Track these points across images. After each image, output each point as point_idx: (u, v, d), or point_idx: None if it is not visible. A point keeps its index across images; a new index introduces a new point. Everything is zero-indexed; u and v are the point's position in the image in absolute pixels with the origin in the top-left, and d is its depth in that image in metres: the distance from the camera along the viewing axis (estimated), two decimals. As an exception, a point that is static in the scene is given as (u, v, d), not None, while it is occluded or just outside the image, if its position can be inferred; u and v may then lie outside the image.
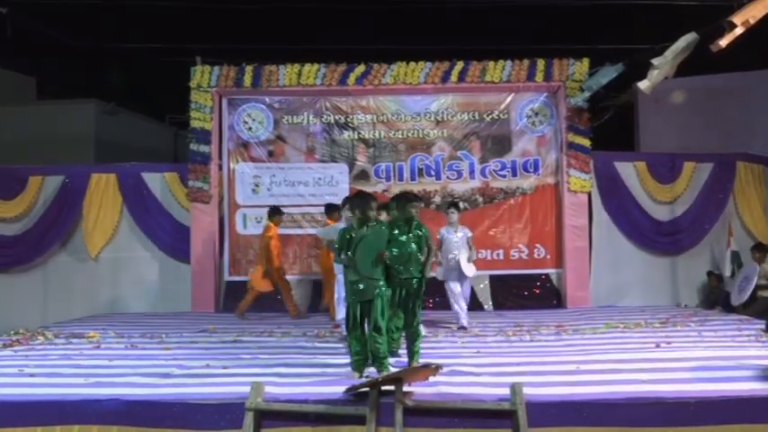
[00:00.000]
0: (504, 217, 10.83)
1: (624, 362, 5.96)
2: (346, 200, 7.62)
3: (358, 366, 5.73)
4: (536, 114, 10.88)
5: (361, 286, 5.73)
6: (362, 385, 4.87)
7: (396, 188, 10.62)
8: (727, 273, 10.64)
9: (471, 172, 10.87)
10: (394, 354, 6.22)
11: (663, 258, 10.96)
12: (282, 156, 10.97)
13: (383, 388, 4.81)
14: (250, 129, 10.94)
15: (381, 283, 5.80)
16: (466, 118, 10.91)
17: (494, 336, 7.79)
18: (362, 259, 5.71)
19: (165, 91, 14.64)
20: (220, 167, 10.87)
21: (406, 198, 6.34)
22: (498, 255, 10.78)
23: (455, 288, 8.41)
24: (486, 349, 6.90)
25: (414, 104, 10.95)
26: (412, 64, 10.58)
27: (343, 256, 5.86)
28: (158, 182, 11.05)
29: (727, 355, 6.13)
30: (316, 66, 10.62)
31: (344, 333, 7.69)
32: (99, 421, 4.90)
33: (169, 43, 12.39)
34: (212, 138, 10.69)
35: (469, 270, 8.45)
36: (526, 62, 10.59)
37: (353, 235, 5.84)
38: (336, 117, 10.95)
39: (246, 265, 10.79)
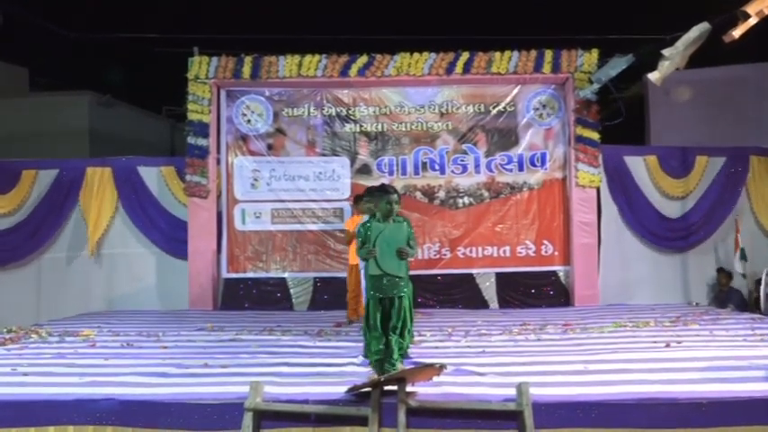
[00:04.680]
0: (511, 212, 10.82)
1: (634, 361, 5.95)
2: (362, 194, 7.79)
3: (378, 366, 5.74)
4: (543, 107, 10.86)
5: (381, 283, 5.74)
6: (364, 385, 4.87)
7: (399, 182, 10.65)
8: (740, 270, 10.64)
9: (477, 166, 10.86)
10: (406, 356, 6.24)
11: (673, 255, 10.96)
12: (282, 149, 10.97)
13: (386, 388, 4.81)
14: (249, 121, 10.94)
15: (403, 281, 5.80)
16: (471, 110, 10.90)
17: (499, 334, 7.77)
18: (381, 255, 5.72)
19: (161, 82, 14.62)
20: (218, 161, 10.87)
21: (382, 191, 6.21)
22: (504, 252, 10.77)
23: None
24: (491, 348, 6.88)
25: (417, 96, 10.93)
26: (416, 55, 10.55)
27: (362, 249, 5.86)
28: (155, 176, 11.06)
29: (740, 355, 6.12)
30: (317, 56, 10.60)
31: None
32: (94, 422, 4.90)
33: (166, 33, 12.39)
34: (210, 131, 10.67)
35: None
36: (533, 53, 10.57)
37: (372, 229, 5.85)
38: (338, 109, 10.95)
39: (245, 261, 10.81)
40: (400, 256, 5.75)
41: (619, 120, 10.70)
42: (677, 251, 10.95)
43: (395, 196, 5.98)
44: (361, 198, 7.98)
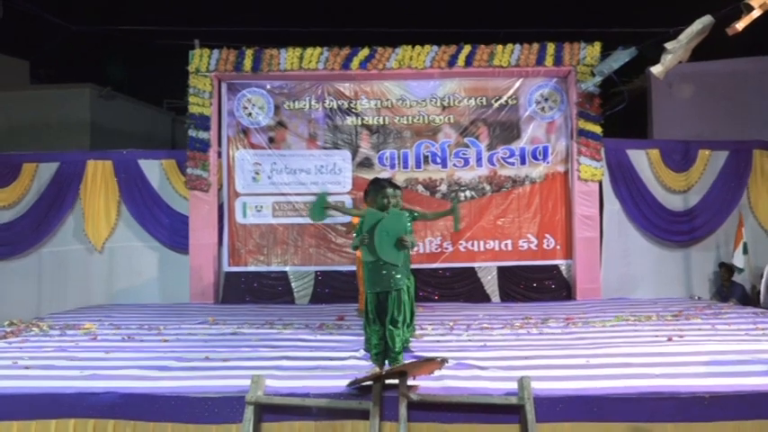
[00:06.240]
0: (513, 206, 10.81)
1: (636, 355, 5.96)
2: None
3: (378, 360, 5.74)
4: (546, 100, 10.84)
5: (376, 274, 5.73)
6: (366, 379, 4.88)
7: (400, 176, 10.65)
8: (741, 265, 10.62)
9: (478, 159, 10.84)
10: (407, 349, 6.25)
11: (676, 249, 10.95)
12: (283, 142, 10.95)
13: (387, 382, 4.81)
14: (250, 114, 10.93)
15: (400, 274, 5.80)
16: (473, 103, 10.88)
17: (501, 328, 7.78)
18: (380, 243, 5.70)
19: (162, 75, 14.61)
20: (219, 154, 10.86)
21: (378, 184, 6.16)
22: (506, 245, 10.76)
23: None
24: (493, 342, 6.89)
25: (419, 89, 10.91)
26: (417, 48, 10.52)
27: (357, 237, 5.85)
28: (156, 169, 11.04)
29: (742, 349, 6.13)
30: (318, 49, 10.58)
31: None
32: (95, 415, 4.91)
33: (167, 26, 12.38)
34: (211, 124, 10.66)
35: None
36: (536, 46, 10.53)
37: (367, 217, 5.83)
38: (339, 102, 10.93)
39: (246, 255, 10.81)
40: (401, 245, 5.72)
41: (623, 105, 10.68)
42: (680, 245, 10.94)
43: (390, 190, 5.97)
44: (367, 192, 7.95)
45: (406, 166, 10.85)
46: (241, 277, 10.81)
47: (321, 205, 6.94)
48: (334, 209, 7.43)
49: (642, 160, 10.92)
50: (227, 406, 4.84)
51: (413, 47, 10.53)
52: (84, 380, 5.34)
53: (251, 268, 10.83)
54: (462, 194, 10.82)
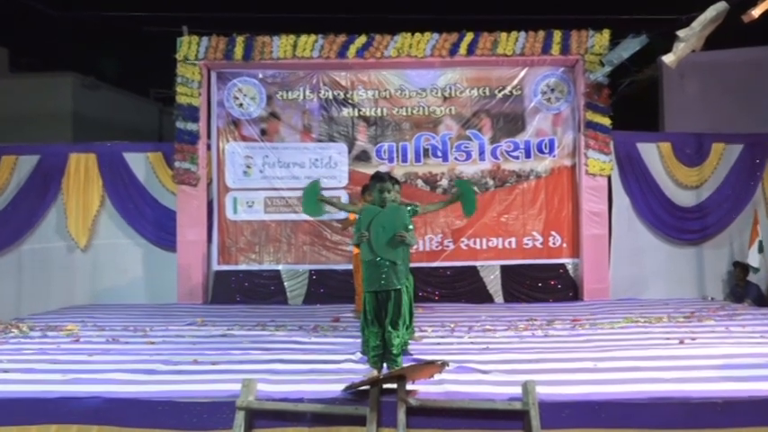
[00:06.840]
0: (517, 202, 10.80)
1: (645, 359, 5.96)
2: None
3: (376, 363, 5.74)
4: (552, 90, 10.84)
5: (375, 273, 5.73)
6: (363, 383, 4.88)
7: (399, 170, 10.64)
8: (756, 264, 10.63)
9: (481, 153, 10.84)
10: (406, 352, 6.26)
11: (688, 247, 10.95)
12: (276, 134, 10.95)
13: (385, 386, 4.82)
14: (241, 105, 10.92)
15: (401, 273, 5.80)
16: (475, 94, 10.88)
17: (504, 330, 7.79)
18: (376, 240, 5.70)
19: (149, 64, 14.59)
20: (209, 147, 10.85)
21: (377, 178, 6.16)
22: (510, 243, 10.77)
23: None
24: (496, 345, 6.90)
25: (419, 79, 10.90)
26: (417, 35, 10.50)
27: (356, 234, 5.86)
28: (142, 162, 11.02)
29: (758, 353, 6.14)
30: (313, 37, 10.56)
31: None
32: (78, 420, 4.90)
33: (154, 11, 12.33)
34: (200, 115, 10.65)
35: None
36: (541, 34, 10.52)
37: (365, 213, 5.84)
38: (335, 93, 10.92)
39: (237, 252, 10.81)
40: (399, 241, 5.72)
41: (629, 82, 10.64)
42: (692, 243, 10.95)
43: (388, 184, 5.97)
44: (367, 188, 7.98)
45: (405, 160, 10.84)
46: (231, 276, 10.81)
47: (314, 194, 6.97)
48: (328, 202, 7.47)
49: (653, 154, 10.91)
50: (217, 411, 4.84)
51: (412, 34, 10.51)
52: (66, 384, 5.33)
53: (242, 267, 10.83)
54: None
